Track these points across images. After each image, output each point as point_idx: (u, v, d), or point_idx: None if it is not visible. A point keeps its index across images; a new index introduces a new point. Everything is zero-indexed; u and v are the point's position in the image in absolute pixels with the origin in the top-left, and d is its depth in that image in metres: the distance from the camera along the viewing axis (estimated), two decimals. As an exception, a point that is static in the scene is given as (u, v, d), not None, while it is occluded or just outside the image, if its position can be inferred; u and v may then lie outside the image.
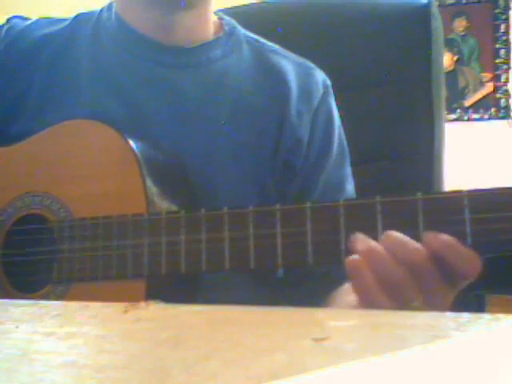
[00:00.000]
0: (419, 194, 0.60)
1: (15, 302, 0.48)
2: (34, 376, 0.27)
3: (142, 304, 0.43)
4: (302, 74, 0.91)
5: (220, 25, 0.93)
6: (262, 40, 0.94)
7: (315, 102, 0.90)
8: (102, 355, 0.31)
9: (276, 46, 0.94)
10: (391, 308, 0.57)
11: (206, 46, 0.89)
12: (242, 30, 0.94)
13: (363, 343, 0.31)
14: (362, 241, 0.59)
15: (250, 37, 0.94)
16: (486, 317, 0.35)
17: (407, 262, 0.58)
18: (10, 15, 0.96)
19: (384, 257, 0.58)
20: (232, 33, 0.92)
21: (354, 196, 0.90)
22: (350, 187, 0.90)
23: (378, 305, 0.58)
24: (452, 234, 0.58)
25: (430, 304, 0.58)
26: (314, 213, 0.63)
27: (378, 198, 0.61)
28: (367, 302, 0.59)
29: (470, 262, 0.57)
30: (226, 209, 0.67)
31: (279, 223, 0.64)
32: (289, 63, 0.91)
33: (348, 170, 0.92)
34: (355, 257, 0.59)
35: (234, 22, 0.94)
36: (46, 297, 0.75)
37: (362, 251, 0.59)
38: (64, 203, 0.77)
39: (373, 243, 0.59)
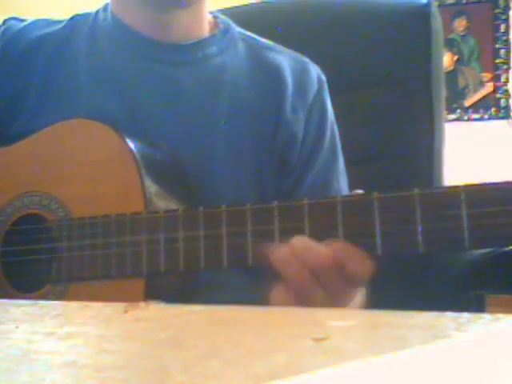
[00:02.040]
0: (416, 190, 0.60)
1: (15, 302, 0.48)
2: (34, 376, 0.27)
3: (142, 304, 0.43)
4: (298, 70, 0.91)
5: (215, 23, 0.93)
6: (257, 37, 0.95)
7: (310, 98, 0.90)
8: (102, 355, 0.31)
9: (271, 43, 0.94)
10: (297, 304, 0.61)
11: (202, 42, 0.90)
12: (236, 28, 0.94)
13: (363, 343, 0.31)
14: (274, 248, 0.62)
15: (245, 34, 0.94)
16: (486, 317, 0.35)
17: (315, 264, 0.61)
18: (10, 15, 0.96)
19: (293, 261, 0.61)
20: (227, 30, 0.92)
21: (343, 192, 0.90)
22: (338, 184, 0.90)
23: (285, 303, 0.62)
24: (449, 228, 0.58)
25: (334, 301, 0.63)
26: (311, 209, 0.63)
27: (375, 194, 0.61)
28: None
29: (360, 262, 0.61)
30: (223, 206, 0.67)
31: (277, 220, 0.64)
32: (284, 59, 0.92)
33: (339, 166, 0.91)
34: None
35: (228, 20, 0.94)
36: (45, 296, 0.75)
37: (275, 257, 0.62)
38: (63, 203, 0.77)
39: (283, 249, 0.62)
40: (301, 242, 0.62)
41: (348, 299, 0.65)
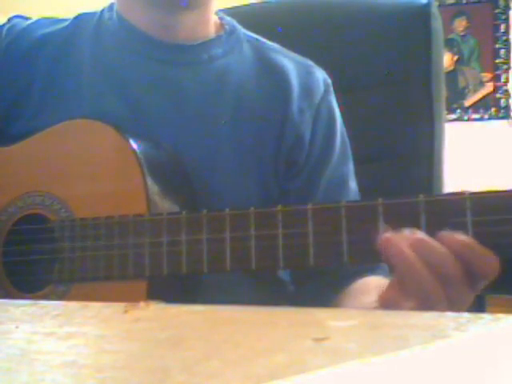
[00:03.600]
0: (421, 196, 0.59)
1: (15, 302, 0.48)
2: (34, 376, 0.27)
3: (142, 304, 0.43)
4: (303, 72, 0.91)
5: (221, 24, 0.93)
6: (263, 39, 0.95)
7: (316, 100, 0.90)
8: (102, 355, 0.31)
9: (276, 45, 0.94)
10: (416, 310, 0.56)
11: (207, 44, 0.89)
12: (242, 30, 0.94)
13: (363, 343, 0.31)
14: (396, 246, 0.58)
15: (251, 36, 0.94)
16: (486, 317, 0.35)
17: (436, 265, 0.56)
18: (11, 15, 0.96)
19: (418, 263, 0.57)
20: (232, 32, 0.92)
21: (357, 193, 0.90)
22: (353, 184, 0.91)
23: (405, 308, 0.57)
24: None
25: (454, 305, 0.57)
26: (315, 214, 0.63)
27: (379, 200, 0.61)
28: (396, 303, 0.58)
29: (488, 261, 0.56)
30: (227, 210, 0.67)
31: (281, 224, 0.64)
32: (289, 61, 0.92)
33: (351, 166, 0.92)
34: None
35: (234, 21, 0.94)
36: (47, 297, 0.75)
37: (396, 259, 0.58)
38: (65, 203, 0.77)
39: (406, 250, 0.57)
40: (420, 242, 0.57)
41: (466, 305, 0.58)
